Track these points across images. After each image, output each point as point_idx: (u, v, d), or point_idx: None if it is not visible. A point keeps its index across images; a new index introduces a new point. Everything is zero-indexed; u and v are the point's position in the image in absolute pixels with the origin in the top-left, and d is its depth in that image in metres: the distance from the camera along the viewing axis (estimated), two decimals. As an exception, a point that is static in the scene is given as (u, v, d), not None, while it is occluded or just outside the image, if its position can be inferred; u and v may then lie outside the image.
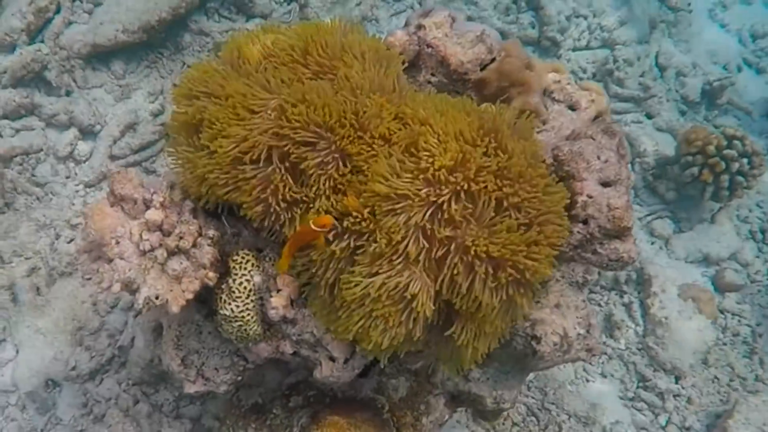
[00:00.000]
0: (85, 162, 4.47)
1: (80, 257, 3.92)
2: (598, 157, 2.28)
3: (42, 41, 4.59)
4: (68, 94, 4.61)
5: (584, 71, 5.41)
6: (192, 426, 3.55)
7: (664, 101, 5.31)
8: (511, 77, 2.61)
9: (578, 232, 2.27)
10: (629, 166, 2.64)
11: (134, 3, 4.71)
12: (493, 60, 2.67)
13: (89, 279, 3.90)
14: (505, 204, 2.05)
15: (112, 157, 4.47)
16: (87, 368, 3.75)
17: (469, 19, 5.42)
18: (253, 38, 2.54)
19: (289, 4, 5.19)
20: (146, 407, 3.51)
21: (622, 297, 4.42)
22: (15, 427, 3.68)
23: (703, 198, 4.58)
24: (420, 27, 2.66)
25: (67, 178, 4.39)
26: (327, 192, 2.17)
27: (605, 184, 2.28)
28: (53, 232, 4.14)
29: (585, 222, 2.26)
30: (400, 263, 2.11)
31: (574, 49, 5.53)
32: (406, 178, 2.06)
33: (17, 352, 3.83)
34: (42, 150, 4.43)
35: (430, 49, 2.62)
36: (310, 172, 2.16)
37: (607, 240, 2.27)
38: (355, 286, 2.12)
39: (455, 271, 2.08)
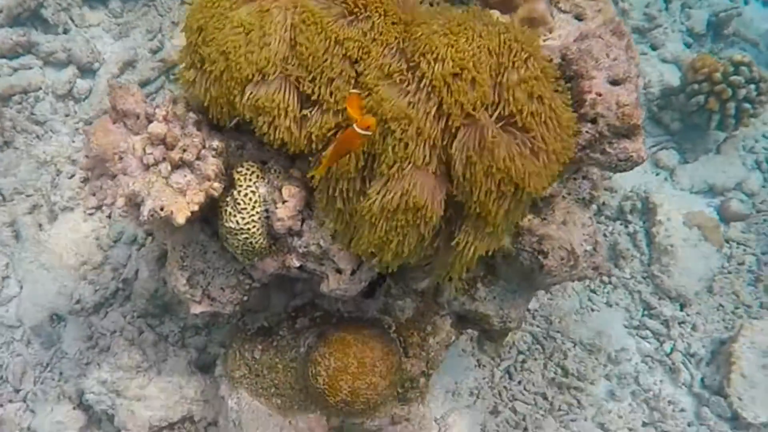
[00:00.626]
0: (84, 100, 4.42)
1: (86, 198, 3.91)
2: (607, 55, 2.24)
3: (38, -22, 4.51)
4: (66, 32, 4.54)
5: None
6: (198, 355, 3.55)
7: (669, 32, 5.24)
8: (517, -17, 2.56)
9: (587, 131, 2.23)
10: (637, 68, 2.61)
11: (129, -63, 4.64)
12: (498, -33, 2.62)
13: (90, 215, 3.89)
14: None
15: (112, 94, 4.40)
16: (91, 302, 3.74)
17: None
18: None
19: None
20: (152, 336, 3.50)
21: (626, 226, 4.40)
22: (20, 362, 3.68)
23: (709, 127, 4.53)
24: (422, -66, 2.60)
25: (67, 116, 4.34)
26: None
27: (614, 83, 2.23)
28: (54, 168, 4.10)
29: (593, 121, 2.22)
30: (409, 171, 2.10)
31: (578, -18, 5.43)
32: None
33: (21, 287, 3.83)
34: (41, 88, 4.37)
35: (432, -43, 2.57)
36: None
37: (616, 139, 2.24)
38: (373, 201, 2.15)
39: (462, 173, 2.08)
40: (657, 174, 4.67)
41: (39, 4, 4.44)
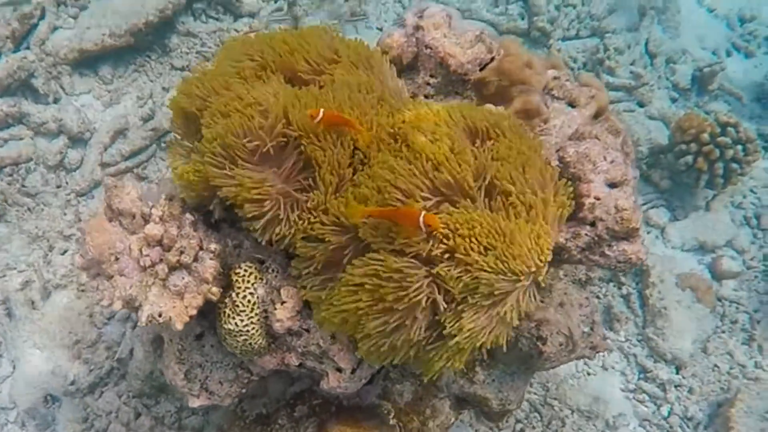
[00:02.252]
0: (75, 170, 4.41)
1: (80, 274, 3.89)
2: (605, 158, 2.26)
3: (28, 48, 4.51)
4: (56, 101, 4.54)
5: (575, 61, 5.38)
6: (195, 437, 3.52)
7: (655, 89, 5.30)
8: (512, 76, 2.59)
9: (586, 234, 2.25)
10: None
11: (120, 6, 4.67)
12: (492, 59, 2.64)
13: (83, 291, 3.87)
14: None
15: (103, 165, 4.41)
16: (86, 382, 3.71)
17: (458, 11, 5.38)
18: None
19: (276, 2, 5.13)
20: (148, 421, 3.48)
21: (620, 288, 4.41)
22: (16, 444, 3.64)
23: (698, 186, 4.57)
24: (418, 28, 2.63)
25: (58, 187, 4.33)
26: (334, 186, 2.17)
27: (612, 185, 2.26)
28: (46, 243, 4.08)
29: (592, 224, 2.24)
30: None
31: (564, 39, 5.50)
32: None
33: (14, 367, 3.79)
34: (32, 159, 4.37)
35: (428, 51, 2.60)
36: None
37: (616, 242, 2.25)
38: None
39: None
40: (648, 232, 4.69)
41: (29, 74, 4.44)
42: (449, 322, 2.08)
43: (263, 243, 2.31)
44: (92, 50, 4.56)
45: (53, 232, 4.12)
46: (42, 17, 4.61)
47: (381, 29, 5.22)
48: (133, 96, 4.70)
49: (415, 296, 2.02)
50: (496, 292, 2.00)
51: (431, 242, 2.01)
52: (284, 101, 2.19)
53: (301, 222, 2.20)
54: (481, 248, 1.97)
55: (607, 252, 2.27)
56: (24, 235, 4.09)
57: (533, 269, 1.99)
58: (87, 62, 4.65)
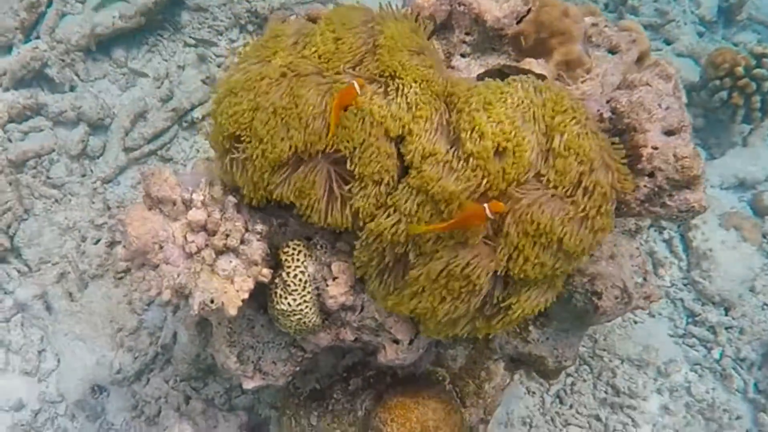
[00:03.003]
0: (99, 157, 4.35)
1: (116, 262, 3.86)
2: (659, 105, 2.17)
3: (38, 38, 4.42)
4: (72, 89, 4.46)
5: (596, 2, 5.23)
6: (248, 418, 3.49)
7: (681, 24, 5.15)
8: (551, 27, 2.48)
9: (645, 186, 2.16)
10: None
11: (126, -13, 4.56)
12: (529, 11, 2.53)
13: (120, 279, 3.84)
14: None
15: (126, 149, 4.34)
16: (132, 369, 3.70)
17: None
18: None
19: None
20: (200, 405, 3.45)
21: (661, 233, 4.32)
22: (68, 437, 3.64)
23: (735, 122, 4.46)
24: (452, -17, 2.52)
25: (83, 176, 4.27)
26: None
27: (669, 133, 2.16)
28: (78, 234, 4.04)
29: (651, 175, 2.15)
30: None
31: (584, -20, 5.36)
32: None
33: (59, 361, 3.78)
34: (54, 150, 4.30)
35: (462, 8, 2.49)
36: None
37: (677, 191, 2.17)
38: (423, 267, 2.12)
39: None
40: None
41: (43, 63, 4.36)
42: (510, 300, 2.21)
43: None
44: (104, 34, 4.46)
45: (84, 222, 4.08)
46: (49, 5, 4.49)
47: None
48: (149, 77, 4.61)
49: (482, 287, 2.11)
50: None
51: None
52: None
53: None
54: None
55: (669, 202, 2.18)
56: (54, 227, 4.04)
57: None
58: (100, 46, 4.54)
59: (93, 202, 4.17)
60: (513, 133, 2.01)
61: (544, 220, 2.02)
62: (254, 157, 2.17)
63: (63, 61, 4.44)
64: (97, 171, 4.30)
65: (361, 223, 2.19)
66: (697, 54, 4.94)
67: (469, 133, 2.02)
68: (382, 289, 2.27)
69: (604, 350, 3.96)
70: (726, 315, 4.10)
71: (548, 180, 2.04)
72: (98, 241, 4.01)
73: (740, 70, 4.28)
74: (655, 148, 2.13)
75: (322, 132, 2.11)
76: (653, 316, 4.11)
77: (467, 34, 2.51)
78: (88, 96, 4.39)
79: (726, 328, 4.05)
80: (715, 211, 4.30)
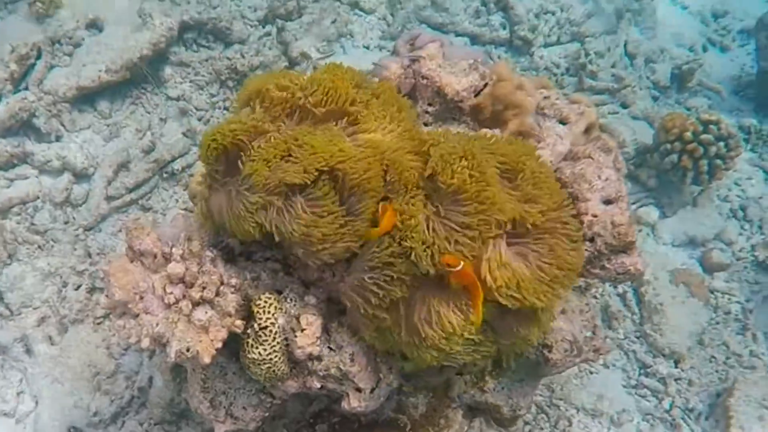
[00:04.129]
0: (82, 205, 4.52)
1: (95, 308, 4.00)
2: (599, 177, 2.40)
3: (26, 88, 4.62)
4: (58, 138, 4.65)
5: (557, 66, 5.54)
6: (219, 459, 3.63)
7: (637, 89, 5.47)
8: (505, 101, 2.73)
9: (586, 249, 2.39)
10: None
11: (114, 42, 4.78)
12: (486, 85, 2.78)
13: (99, 324, 3.98)
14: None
15: (108, 198, 4.52)
16: (108, 412, 3.82)
17: (441, 25, 5.54)
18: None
19: (264, 27, 5.26)
20: (172, 448, 3.60)
21: (616, 288, 4.56)
22: (43, 480, 3.75)
23: (685, 183, 4.74)
24: (415, 60, 2.76)
25: (66, 223, 4.44)
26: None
27: (607, 202, 2.40)
28: (59, 279, 4.19)
29: (592, 240, 2.38)
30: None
31: (546, 46, 5.67)
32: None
33: (36, 403, 3.89)
34: (38, 197, 4.48)
35: (425, 81, 2.73)
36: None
37: (614, 255, 2.40)
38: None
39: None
40: (639, 230, 4.84)
41: (31, 113, 4.55)
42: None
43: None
44: (90, 87, 4.67)
45: (65, 268, 4.23)
46: (38, 57, 4.71)
47: (367, 47, 5.36)
48: (132, 128, 4.81)
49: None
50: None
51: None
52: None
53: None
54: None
55: (608, 265, 2.41)
56: (37, 272, 4.19)
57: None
58: (85, 98, 4.76)
59: (75, 249, 4.33)
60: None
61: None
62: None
63: (50, 111, 4.64)
64: (79, 218, 4.47)
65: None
66: (652, 117, 5.25)
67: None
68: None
69: (561, 399, 4.15)
70: (676, 367, 4.32)
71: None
72: (79, 286, 4.16)
73: (689, 135, 4.57)
74: (595, 216, 2.37)
75: None
76: (608, 367, 4.31)
77: (430, 104, 2.75)
78: (73, 146, 4.58)
79: (675, 380, 4.27)
80: (667, 267, 4.55)
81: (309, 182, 2.21)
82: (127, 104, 4.90)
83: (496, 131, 2.73)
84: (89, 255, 4.33)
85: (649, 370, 4.30)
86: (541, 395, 4.15)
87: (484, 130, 2.70)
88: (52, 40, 4.82)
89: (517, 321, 2.29)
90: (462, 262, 2.07)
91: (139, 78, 4.87)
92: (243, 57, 4.94)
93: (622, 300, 4.52)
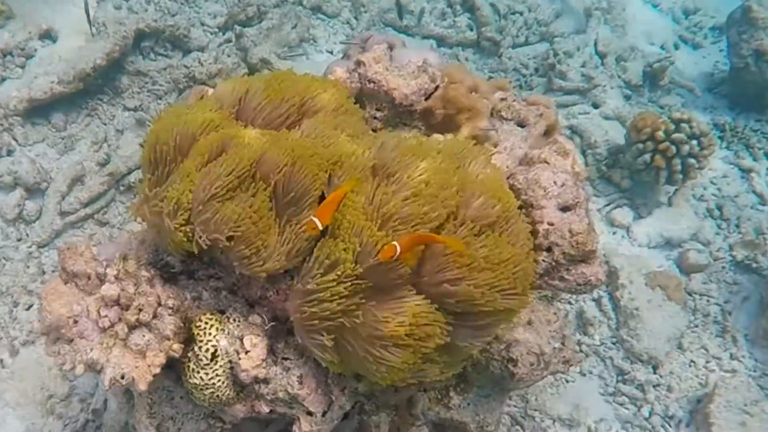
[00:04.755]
0: (35, 222, 4.35)
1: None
2: (555, 182, 2.26)
3: (-24, 102, 4.47)
4: (10, 153, 4.49)
5: (526, 67, 5.42)
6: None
7: (608, 89, 5.35)
8: (457, 104, 2.59)
9: (543, 260, 2.25)
10: (584, 174, 2.65)
11: (67, 53, 4.63)
12: (437, 88, 2.64)
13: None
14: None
15: (63, 213, 4.35)
16: (62, 437, 3.67)
17: (406, 27, 5.42)
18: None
19: (224, 34, 5.11)
20: (126, 473, 3.43)
21: (591, 293, 4.42)
22: None
23: (659, 183, 4.62)
24: (359, 63, 2.62)
25: (19, 240, 4.28)
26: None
27: (564, 209, 2.26)
28: (10, 299, 4.02)
29: (549, 250, 2.25)
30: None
31: (514, 46, 5.55)
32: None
33: (-13, 429, 3.73)
34: (-11, 214, 4.31)
35: (372, 85, 2.60)
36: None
37: (573, 265, 2.26)
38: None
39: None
40: (614, 233, 4.73)
41: (-20, 129, 4.39)
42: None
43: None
44: (42, 99, 4.51)
45: (17, 287, 4.07)
46: (-12, 69, 4.56)
47: (331, 52, 5.22)
48: (87, 141, 4.66)
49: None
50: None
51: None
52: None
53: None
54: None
55: (566, 276, 2.27)
56: (-13, 292, 4.03)
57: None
58: (38, 111, 4.59)
59: (28, 267, 4.16)
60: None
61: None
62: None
63: (1, 125, 4.48)
64: (32, 235, 4.30)
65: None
66: (623, 117, 5.13)
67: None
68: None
69: (536, 410, 4.01)
70: (654, 373, 4.19)
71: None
72: (30, 306, 4.00)
73: (660, 134, 4.45)
74: (551, 224, 2.23)
75: None
76: (584, 375, 4.18)
77: (378, 109, 2.62)
78: (25, 160, 4.41)
79: (654, 386, 4.14)
80: (642, 271, 4.42)
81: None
82: (83, 116, 4.74)
83: (449, 136, 2.59)
84: (43, 272, 4.16)
85: (626, 376, 4.17)
86: (515, 406, 4.01)
87: (435, 135, 2.55)
88: (3, 51, 4.66)
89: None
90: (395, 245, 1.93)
91: (93, 88, 4.71)
92: (201, 65, 4.78)
93: (597, 305, 4.39)
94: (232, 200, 2.09)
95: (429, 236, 2.01)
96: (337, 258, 2.04)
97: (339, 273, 2.05)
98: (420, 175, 2.04)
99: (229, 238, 2.13)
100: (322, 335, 2.18)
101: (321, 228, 2.03)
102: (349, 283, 2.06)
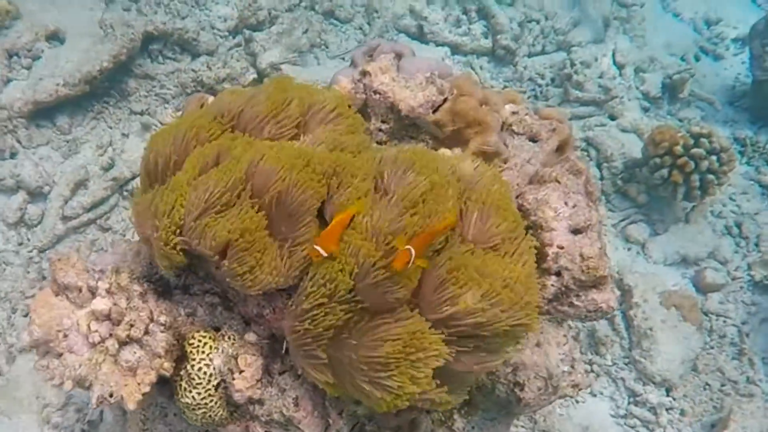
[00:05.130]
0: (36, 226, 4.27)
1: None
2: (566, 203, 2.15)
3: (-19, 103, 4.40)
4: (13, 155, 4.42)
5: (542, 77, 5.30)
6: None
7: (625, 100, 5.22)
8: (466, 117, 2.48)
9: (552, 285, 2.14)
10: (599, 191, 2.54)
11: (73, 54, 4.56)
12: (445, 100, 2.53)
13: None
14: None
15: (65, 218, 4.27)
16: (56, 448, 3.58)
17: (421, 34, 5.32)
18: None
19: (234, 38, 5.03)
20: (120, 487, 3.34)
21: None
22: None
23: (676, 199, 4.48)
24: (365, 74, 2.52)
25: (20, 245, 4.20)
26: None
27: (576, 231, 2.14)
28: (9, 305, 3.95)
29: (558, 274, 2.13)
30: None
31: (530, 55, 5.43)
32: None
33: (-18, 437, 3.66)
34: (-10, 217, 4.24)
35: (378, 96, 2.49)
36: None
37: (584, 291, 2.14)
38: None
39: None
40: (629, 249, 4.60)
41: (-16, 129, 4.33)
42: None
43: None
44: (47, 101, 4.44)
45: (16, 293, 4.00)
46: (-6, 70, 4.49)
47: (343, 58, 5.12)
48: (92, 144, 4.58)
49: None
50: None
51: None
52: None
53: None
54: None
55: (576, 302, 2.16)
56: (-14, 298, 3.96)
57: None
58: (43, 113, 4.52)
59: (28, 272, 4.09)
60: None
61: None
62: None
63: (5, 127, 4.41)
64: (34, 240, 4.23)
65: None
66: (641, 130, 5.01)
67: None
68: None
69: (545, 431, 3.89)
70: (667, 395, 4.06)
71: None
72: (28, 313, 3.91)
73: (679, 149, 4.32)
74: (561, 248, 2.11)
75: None
76: (594, 396, 4.06)
77: (383, 122, 2.51)
78: (28, 163, 4.34)
79: (667, 409, 4.01)
80: (657, 289, 4.29)
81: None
82: (89, 119, 4.67)
83: (457, 151, 2.48)
84: (43, 278, 4.08)
85: (638, 398, 4.04)
86: (523, 426, 3.89)
87: (443, 149, 2.44)
88: (9, 52, 4.59)
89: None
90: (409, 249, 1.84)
91: (100, 91, 4.63)
92: (210, 69, 4.70)
93: (610, 324, 4.26)
94: (224, 215, 1.98)
95: (437, 229, 1.93)
96: (333, 278, 1.94)
97: (334, 293, 1.95)
98: (418, 190, 1.94)
99: (221, 255, 2.03)
100: (317, 355, 2.08)
101: (325, 255, 1.93)
102: (345, 304, 1.96)
